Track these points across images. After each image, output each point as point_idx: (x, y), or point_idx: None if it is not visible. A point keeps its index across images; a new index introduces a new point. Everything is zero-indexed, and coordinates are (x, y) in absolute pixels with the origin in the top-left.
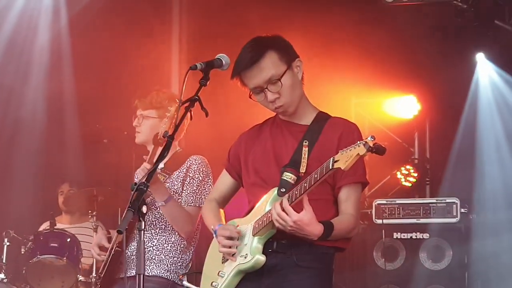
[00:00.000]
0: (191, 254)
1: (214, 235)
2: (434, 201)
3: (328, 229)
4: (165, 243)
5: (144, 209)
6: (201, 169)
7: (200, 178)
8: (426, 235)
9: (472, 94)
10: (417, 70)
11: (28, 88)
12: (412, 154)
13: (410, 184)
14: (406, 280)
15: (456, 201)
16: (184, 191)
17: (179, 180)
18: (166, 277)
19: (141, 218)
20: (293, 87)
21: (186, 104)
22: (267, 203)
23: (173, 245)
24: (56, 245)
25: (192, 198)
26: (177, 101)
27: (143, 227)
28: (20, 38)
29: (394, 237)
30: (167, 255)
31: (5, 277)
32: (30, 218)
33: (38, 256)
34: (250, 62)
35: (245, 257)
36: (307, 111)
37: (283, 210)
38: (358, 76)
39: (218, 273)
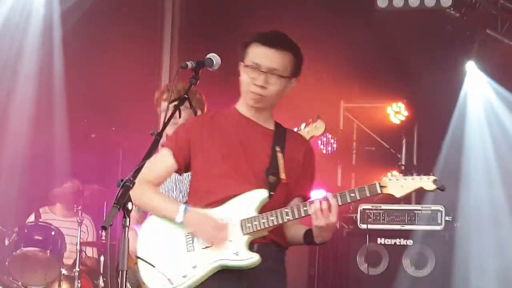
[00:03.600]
0: None
1: (181, 216)
2: (419, 208)
3: None
4: None
5: (130, 205)
6: None
7: None
8: (410, 242)
9: (461, 102)
10: (407, 76)
11: (17, 81)
12: (398, 160)
13: None
14: (389, 286)
15: (441, 209)
16: None
17: None
18: None
19: (126, 215)
20: (279, 93)
21: (175, 103)
22: (256, 204)
23: None
24: (40, 237)
25: None
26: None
27: (128, 224)
28: (11, 31)
29: (378, 242)
30: None
31: None
32: (15, 210)
33: (22, 248)
34: (275, 44)
35: (237, 255)
36: (271, 117)
37: (329, 207)
38: (347, 81)
39: (189, 264)
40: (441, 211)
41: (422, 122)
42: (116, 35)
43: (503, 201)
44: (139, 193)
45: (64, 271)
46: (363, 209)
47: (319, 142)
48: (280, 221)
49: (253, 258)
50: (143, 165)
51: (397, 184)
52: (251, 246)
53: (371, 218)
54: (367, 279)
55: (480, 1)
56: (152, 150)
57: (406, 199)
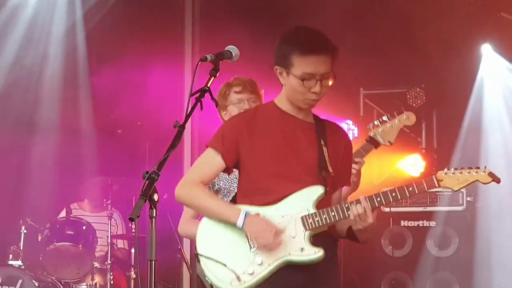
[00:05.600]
0: None
1: (242, 221)
2: (441, 189)
3: None
4: None
5: (156, 197)
6: None
7: None
8: (432, 223)
9: (478, 84)
10: (425, 61)
11: (44, 80)
12: (419, 143)
13: (418, 175)
14: (413, 267)
15: (463, 190)
16: None
17: None
18: None
19: (152, 206)
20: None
21: (197, 95)
22: (313, 200)
23: None
24: (72, 232)
25: None
26: None
27: (154, 215)
28: (36, 30)
29: (402, 224)
30: None
31: (22, 264)
32: (47, 207)
33: (55, 243)
34: (320, 51)
35: (302, 250)
36: (310, 111)
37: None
38: (366, 68)
39: (254, 261)
40: (462, 192)
41: (441, 106)
42: (139, 34)
43: None
44: (192, 194)
45: (96, 264)
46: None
47: None
48: (342, 217)
49: (319, 253)
50: (167, 156)
51: (453, 178)
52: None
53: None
54: (392, 261)
55: None
56: (175, 141)
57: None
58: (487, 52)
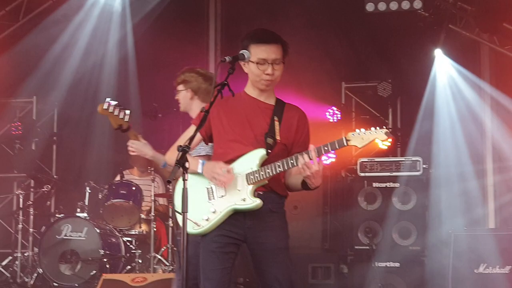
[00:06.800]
0: None
1: (200, 168)
2: (403, 159)
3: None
4: None
5: (187, 164)
6: None
7: None
8: (397, 184)
9: (432, 79)
10: (392, 62)
11: (102, 76)
12: (386, 124)
13: (386, 147)
14: (382, 218)
15: (420, 159)
16: None
17: None
18: None
19: (184, 171)
20: (280, 75)
21: (218, 87)
22: (257, 160)
23: None
24: (124, 192)
25: None
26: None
27: (186, 178)
28: (97, 39)
29: (373, 186)
30: None
31: (87, 215)
32: (105, 172)
33: (111, 200)
34: (271, 41)
35: (244, 200)
36: (272, 95)
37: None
38: (346, 67)
39: (209, 210)
40: (420, 161)
41: (404, 95)
42: (175, 44)
43: (464, 149)
44: (173, 157)
45: (143, 216)
46: (362, 161)
47: (327, 113)
48: (274, 172)
49: (256, 202)
50: (195, 134)
51: (359, 137)
52: (255, 193)
53: (367, 168)
54: (366, 213)
55: (443, 4)
56: (202, 123)
57: (393, 152)
58: (439, 55)
